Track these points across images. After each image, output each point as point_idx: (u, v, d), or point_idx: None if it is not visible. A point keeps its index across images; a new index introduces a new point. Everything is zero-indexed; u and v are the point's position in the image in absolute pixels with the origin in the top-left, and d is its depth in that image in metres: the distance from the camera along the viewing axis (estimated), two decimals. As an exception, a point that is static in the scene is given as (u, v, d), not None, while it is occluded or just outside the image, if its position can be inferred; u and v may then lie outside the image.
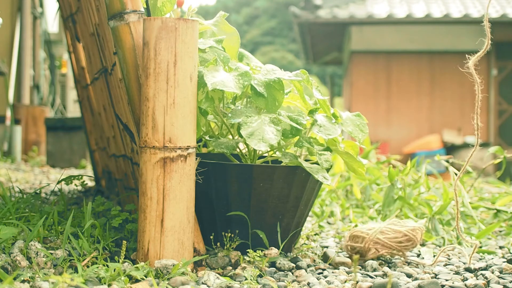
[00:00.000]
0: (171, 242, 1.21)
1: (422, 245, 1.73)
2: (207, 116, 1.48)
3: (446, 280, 1.26)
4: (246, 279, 1.18)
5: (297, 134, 1.40)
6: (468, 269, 1.38)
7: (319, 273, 1.31)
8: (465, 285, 1.21)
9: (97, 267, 1.11)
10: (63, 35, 7.23)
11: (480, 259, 1.53)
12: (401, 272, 1.34)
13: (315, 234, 1.80)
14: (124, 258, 1.25)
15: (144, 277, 1.12)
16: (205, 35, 1.54)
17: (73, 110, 10.15)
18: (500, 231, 2.04)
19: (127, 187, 1.71)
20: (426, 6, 9.13)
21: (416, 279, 1.28)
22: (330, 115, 1.47)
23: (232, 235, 1.38)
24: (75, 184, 1.82)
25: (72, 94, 10.20)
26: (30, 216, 1.45)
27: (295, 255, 1.42)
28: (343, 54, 11.32)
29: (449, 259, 1.52)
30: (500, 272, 1.34)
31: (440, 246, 1.73)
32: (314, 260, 1.43)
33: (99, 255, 1.24)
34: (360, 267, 1.39)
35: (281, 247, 1.40)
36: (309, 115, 1.45)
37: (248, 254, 1.31)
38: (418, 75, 9.70)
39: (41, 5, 7.89)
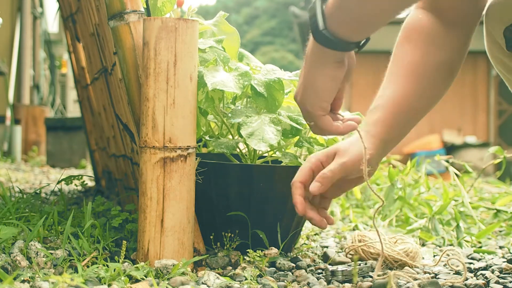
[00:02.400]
0: (171, 242, 1.21)
1: (423, 245, 1.73)
2: (207, 116, 1.48)
3: (446, 280, 1.26)
4: (246, 279, 1.18)
5: (297, 134, 1.40)
6: (468, 269, 1.38)
7: (319, 273, 1.31)
8: (465, 285, 1.21)
9: (97, 267, 1.11)
10: (63, 35, 7.24)
11: (480, 259, 1.53)
12: (401, 272, 1.33)
13: (315, 234, 1.80)
14: (124, 258, 1.25)
15: (144, 277, 1.12)
16: (205, 35, 1.54)
17: (73, 110, 10.16)
18: (500, 231, 2.04)
19: (127, 187, 1.71)
20: (426, 6, 9.11)
21: (416, 278, 1.28)
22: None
23: (232, 235, 1.38)
24: (75, 184, 1.82)
25: (72, 94, 10.21)
26: (30, 216, 1.45)
27: (295, 255, 1.41)
28: (343, 54, 11.30)
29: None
30: (500, 272, 1.34)
31: (440, 246, 1.73)
32: (314, 260, 1.43)
33: (99, 255, 1.24)
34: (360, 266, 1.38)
35: (281, 247, 1.40)
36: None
37: (248, 254, 1.31)
38: (418, 75, 9.66)
39: (41, 5, 7.90)
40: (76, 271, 1.14)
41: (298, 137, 1.42)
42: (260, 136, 1.30)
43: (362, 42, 1.04)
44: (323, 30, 1.00)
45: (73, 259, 1.20)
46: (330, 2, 1.00)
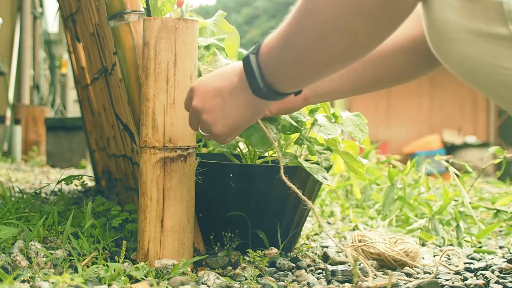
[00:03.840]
0: (171, 242, 1.21)
1: (423, 245, 1.73)
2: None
3: (446, 280, 1.26)
4: (246, 279, 1.18)
5: (296, 131, 1.40)
6: (468, 269, 1.38)
7: (319, 273, 1.31)
8: (465, 284, 1.21)
9: (97, 267, 1.11)
10: (63, 35, 7.24)
11: (480, 259, 1.53)
12: (401, 272, 1.34)
13: (315, 234, 1.80)
14: (124, 258, 1.25)
15: (144, 277, 1.12)
16: (205, 34, 1.53)
17: (73, 110, 10.16)
18: (500, 231, 2.04)
19: (127, 187, 1.71)
20: (426, 6, 9.10)
21: (416, 278, 1.28)
22: (330, 115, 1.47)
23: (232, 235, 1.38)
24: (75, 184, 1.82)
25: (72, 94, 10.21)
26: (30, 216, 1.45)
27: (295, 255, 1.41)
28: (343, 54, 11.29)
29: (449, 259, 1.52)
30: (500, 272, 1.34)
31: (440, 246, 1.73)
32: (314, 260, 1.43)
33: (99, 255, 1.24)
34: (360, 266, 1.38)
35: (281, 247, 1.40)
36: (309, 115, 1.45)
37: (248, 254, 1.31)
38: (418, 75, 9.66)
39: (41, 5, 7.90)
40: (76, 271, 1.14)
41: (297, 135, 1.42)
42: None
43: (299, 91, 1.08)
44: (263, 89, 1.02)
45: (73, 259, 1.20)
46: (265, 57, 1.00)
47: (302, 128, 1.42)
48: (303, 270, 1.29)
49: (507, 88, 0.88)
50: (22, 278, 1.05)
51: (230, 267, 1.29)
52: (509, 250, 1.68)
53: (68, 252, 1.23)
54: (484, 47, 0.86)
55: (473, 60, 0.88)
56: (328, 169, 1.43)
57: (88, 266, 1.18)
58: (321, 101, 1.32)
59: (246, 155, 1.48)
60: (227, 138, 1.12)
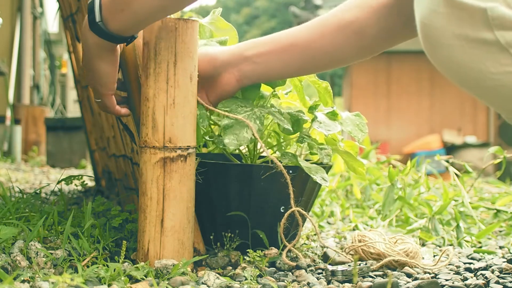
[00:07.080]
0: (171, 242, 1.21)
1: (423, 245, 1.73)
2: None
3: (446, 280, 1.26)
4: (246, 279, 1.18)
5: (297, 131, 1.40)
6: (468, 269, 1.38)
7: (319, 273, 1.31)
8: (465, 284, 1.21)
9: (97, 267, 1.11)
10: (63, 35, 7.24)
11: (480, 259, 1.53)
12: (401, 272, 1.34)
13: (315, 234, 1.80)
14: (124, 258, 1.25)
15: (144, 277, 1.12)
16: (204, 34, 1.53)
17: (73, 110, 10.17)
18: (500, 231, 2.04)
19: (127, 187, 1.71)
20: (426, 6, 9.10)
21: (416, 278, 1.28)
22: (332, 104, 1.47)
23: (232, 235, 1.38)
24: (75, 184, 1.81)
25: (72, 94, 10.21)
26: (30, 216, 1.45)
27: (295, 255, 1.41)
28: (343, 54, 11.28)
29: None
30: (500, 272, 1.34)
31: (440, 246, 1.73)
32: (314, 260, 1.43)
33: (99, 255, 1.24)
34: (360, 266, 1.38)
35: (281, 247, 1.40)
36: (309, 111, 1.44)
37: (248, 254, 1.31)
38: (418, 75, 9.69)
39: (41, 5, 7.90)
40: (76, 271, 1.14)
41: (298, 134, 1.42)
42: (237, 132, 1.28)
43: (129, 38, 1.17)
44: (99, 22, 1.10)
45: (73, 259, 1.20)
46: None
47: (304, 128, 1.42)
48: (303, 270, 1.29)
49: (495, 93, 0.90)
50: (22, 278, 1.05)
51: (230, 267, 1.29)
52: (509, 250, 1.68)
53: (68, 252, 1.23)
54: (472, 53, 0.88)
55: (461, 65, 0.90)
56: (328, 169, 1.43)
57: (88, 266, 1.18)
58: (255, 82, 1.35)
59: (246, 155, 1.48)
60: (94, 83, 1.20)
